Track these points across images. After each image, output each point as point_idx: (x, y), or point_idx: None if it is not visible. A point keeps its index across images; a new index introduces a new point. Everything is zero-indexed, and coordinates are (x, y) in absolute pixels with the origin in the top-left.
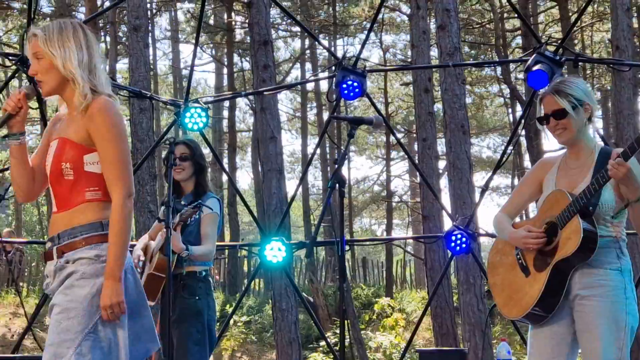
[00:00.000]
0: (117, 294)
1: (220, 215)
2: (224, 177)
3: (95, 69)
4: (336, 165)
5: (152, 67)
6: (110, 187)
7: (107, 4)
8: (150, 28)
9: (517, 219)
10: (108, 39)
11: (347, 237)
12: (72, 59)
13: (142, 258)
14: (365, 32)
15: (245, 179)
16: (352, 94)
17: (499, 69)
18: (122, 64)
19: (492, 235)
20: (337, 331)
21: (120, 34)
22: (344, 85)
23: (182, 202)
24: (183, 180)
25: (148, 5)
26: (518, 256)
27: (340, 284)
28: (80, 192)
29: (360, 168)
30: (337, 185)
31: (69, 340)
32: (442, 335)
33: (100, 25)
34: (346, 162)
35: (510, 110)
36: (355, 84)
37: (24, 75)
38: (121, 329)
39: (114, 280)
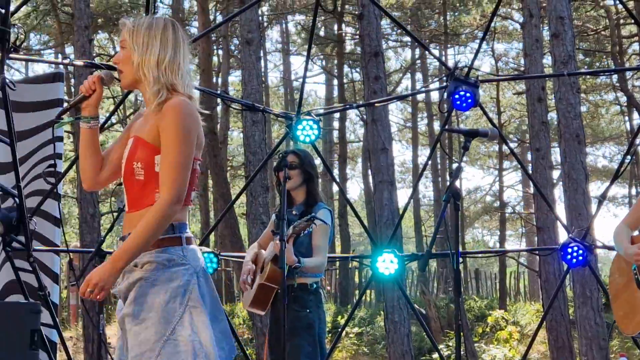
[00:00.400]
0: (108, 280)
1: (331, 227)
2: (335, 188)
3: (178, 69)
4: (451, 179)
5: (263, 79)
6: (161, 187)
7: (219, 17)
8: (261, 41)
9: (636, 232)
10: (220, 52)
11: (459, 248)
12: (151, 57)
13: (252, 268)
14: (477, 41)
15: (355, 190)
16: (464, 104)
17: (614, 77)
18: (234, 77)
19: (609, 248)
20: (450, 343)
21: (232, 47)
22: (457, 96)
23: (294, 212)
24: (292, 189)
25: (260, 19)
26: (635, 271)
27: (456, 298)
28: (150, 193)
29: (472, 178)
30: (452, 198)
31: (149, 351)
32: (558, 348)
33: (213, 38)
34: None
35: (627, 118)
36: (468, 94)
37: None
38: (206, 329)
39: (113, 266)
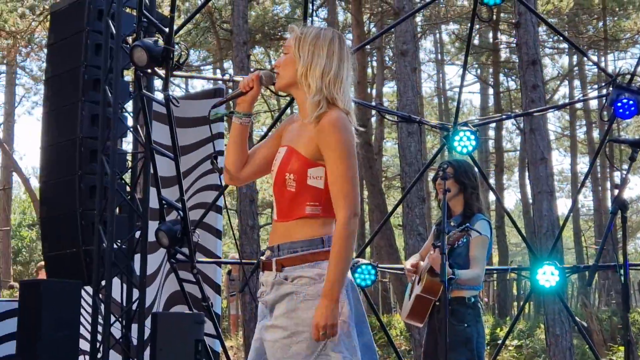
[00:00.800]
0: (333, 315)
1: (490, 239)
2: (491, 198)
3: (340, 83)
4: (617, 190)
5: (418, 90)
6: (335, 204)
7: (373, 29)
8: (416, 52)
9: None
10: (375, 63)
11: (622, 259)
12: (317, 68)
13: (412, 275)
14: (638, 46)
15: (511, 199)
16: (627, 112)
17: None
18: (388, 88)
19: None
20: (614, 358)
21: (386, 58)
22: (619, 104)
23: (452, 223)
24: (449, 199)
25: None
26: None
27: (624, 312)
28: (300, 205)
29: (634, 187)
30: (619, 210)
31: None
32: None
33: (367, 50)
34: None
35: None
36: (631, 102)
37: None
38: (356, 344)
39: (330, 301)
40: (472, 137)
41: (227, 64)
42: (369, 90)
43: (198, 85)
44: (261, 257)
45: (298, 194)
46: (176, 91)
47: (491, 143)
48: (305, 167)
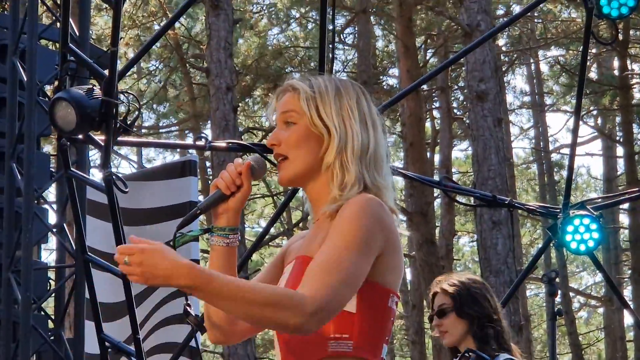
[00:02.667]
0: (157, 275)
1: None
2: (627, 320)
3: (379, 163)
4: None
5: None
6: (305, 280)
7: (432, 60)
8: (499, 93)
9: None
10: (436, 113)
11: None
12: (354, 144)
13: None
14: None
15: None
16: None
17: None
18: (459, 151)
19: None
20: None
21: (454, 104)
22: None
23: None
24: (454, 344)
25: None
26: None
27: None
28: (320, 341)
29: None
30: None
31: None
32: None
33: (424, 92)
34: None
35: None
36: None
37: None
38: None
39: (177, 271)
40: (594, 226)
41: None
42: (428, 154)
43: (158, 158)
44: None
45: None
46: (124, 167)
47: (624, 234)
48: None
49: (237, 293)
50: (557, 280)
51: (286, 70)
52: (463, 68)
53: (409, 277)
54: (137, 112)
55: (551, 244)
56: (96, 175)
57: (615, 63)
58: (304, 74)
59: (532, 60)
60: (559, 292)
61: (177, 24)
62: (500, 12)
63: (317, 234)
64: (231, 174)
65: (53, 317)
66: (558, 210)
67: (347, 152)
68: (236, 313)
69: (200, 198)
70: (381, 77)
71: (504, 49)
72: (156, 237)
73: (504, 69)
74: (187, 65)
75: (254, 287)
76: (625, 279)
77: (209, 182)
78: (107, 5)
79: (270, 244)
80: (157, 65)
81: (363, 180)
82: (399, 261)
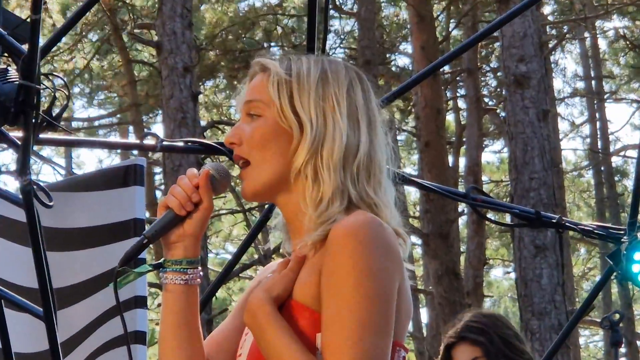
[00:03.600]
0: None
1: None
2: None
3: (374, 172)
4: None
5: (551, 157)
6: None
7: (455, 34)
8: (544, 77)
9: None
10: (460, 102)
11: None
12: (335, 145)
13: None
14: None
15: None
16: None
17: None
18: (491, 153)
19: None
20: None
21: (485, 90)
22: None
23: None
24: None
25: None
26: None
27: None
28: None
29: None
30: None
31: None
32: None
33: (445, 76)
34: None
35: None
36: None
37: None
38: None
39: (259, 309)
40: None
41: (151, 115)
42: (449, 158)
43: (90, 161)
44: None
45: None
46: (47, 174)
47: None
48: (311, 327)
49: (280, 351)
50: (621, 324)
51: (263, 46)
52: (497, 44)
53: (424, 319)
54: (65, 102)
55: (613, 277)
56: (10, 184)
57: None
58: (286, 53)
59: (587, 34)
60: (624, 340)
61: None
62: None
63: (299, 267)
64: (185, 188)
65: None
66: (622, 232)
67: (322, 154)
68: None
69: (147, 215)
70: (389, 55)
71: (550, 19)
72: (90, 265)
73: (550, 46)
74: (125, 37)
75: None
76: None
77: (159, 194)
78: None
79: (240, 275)
80: (90, 38)
81: (347, 193)
82: (408, 303)
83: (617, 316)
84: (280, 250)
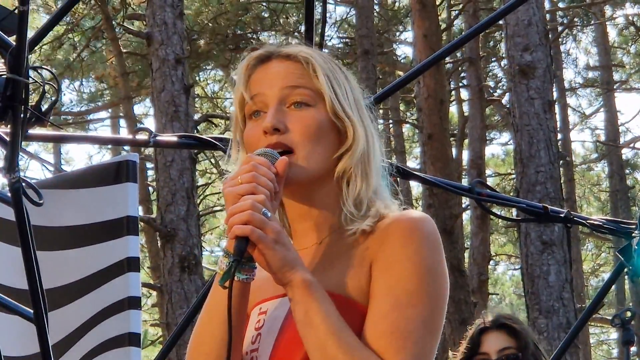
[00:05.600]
0: (274, 257)
1: None
2: None
3: (371, 164)
4: None
5: (558, 150)
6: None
7: (457, 24)
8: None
9: None
10: (463, 93)
11: None
12: (376, 140)
13: None
14: None
15: None
16: None
17: None
18: (496, 146)
19: None
20: None
21: (489, 81)
22: None
23: None
24: None
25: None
26: None
27: None
28: None
29: None
30: None
31: None
32: None
33: (448, 66)
34: None
35: None
36: None
37: None
38: None
39: (287, 263)
40: None
41: (143, 108)
42: (453, 151)
43: (80, 157)
44: None
45: None
46: (35, 170)
47: None
48: (358, 323)
49: (330, 331)
50: (633, 322)
51: (254, 35)
52: (501, 32)
53: None
54: (55, 96)
55: (624, 273)
56: None
57: None
58: (284, 41)
59: (596, 21)
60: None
61: None
62: None
63: (334, 262)
64: (270, 179)
65: None
66: (633, 227)
67: (369, 156)
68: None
69: (140, 212)
70: (389, 44)
71: (559, 5)
72: (82, 264)
73: (557, 34)
74: (116, 28)
75: (346, 338)
76: None
77: (151, 189)
78: None
79: None
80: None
81: (379, 193)
82: None
83: (629, 314)
84: None
